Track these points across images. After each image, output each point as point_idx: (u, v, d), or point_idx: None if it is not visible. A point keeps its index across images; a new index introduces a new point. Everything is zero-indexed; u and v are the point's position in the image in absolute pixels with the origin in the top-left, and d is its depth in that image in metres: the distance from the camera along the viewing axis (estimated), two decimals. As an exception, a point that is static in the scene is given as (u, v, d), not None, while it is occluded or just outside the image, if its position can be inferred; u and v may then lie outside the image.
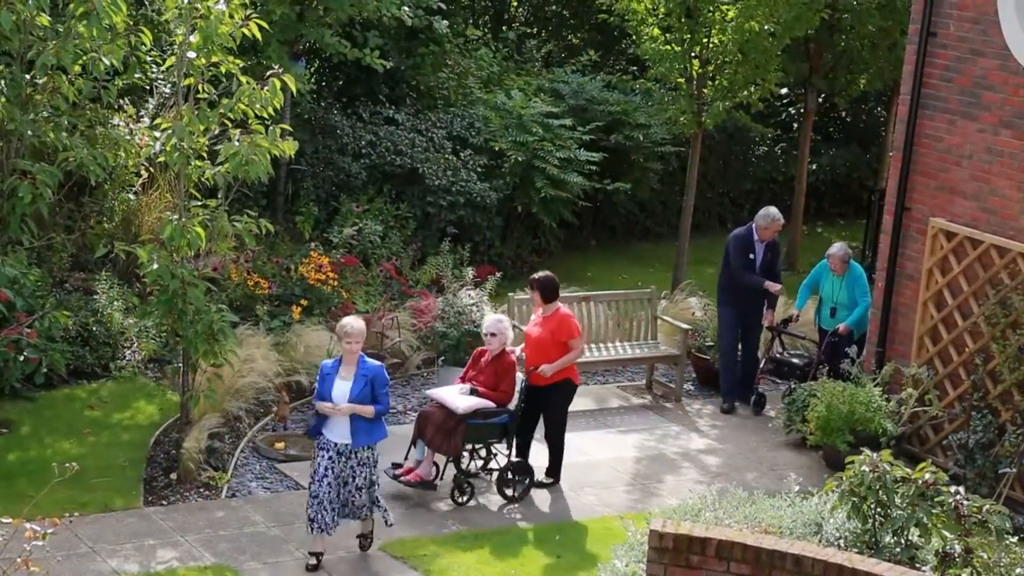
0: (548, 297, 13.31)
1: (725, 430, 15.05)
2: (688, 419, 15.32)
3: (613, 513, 12.84)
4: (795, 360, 15.56)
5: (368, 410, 11.28)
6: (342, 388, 11.32)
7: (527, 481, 13.10)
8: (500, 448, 13.21)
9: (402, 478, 12.71)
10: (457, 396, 12.81)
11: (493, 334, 12.99)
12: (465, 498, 12.77)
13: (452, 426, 12.63)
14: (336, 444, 11.32)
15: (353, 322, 11.44)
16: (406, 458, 12.94)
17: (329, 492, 11.26)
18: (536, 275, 13.51)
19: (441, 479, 12.81)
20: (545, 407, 13.29)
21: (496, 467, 13.14)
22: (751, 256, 15.62)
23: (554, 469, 13.42)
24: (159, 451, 13.32)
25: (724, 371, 15.78)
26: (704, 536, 9.85)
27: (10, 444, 13.20)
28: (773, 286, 15.71)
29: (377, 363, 11.52)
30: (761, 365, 15.69)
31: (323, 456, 11.31)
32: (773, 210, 15.78)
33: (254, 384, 14.31)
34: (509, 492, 12.96)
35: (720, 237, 22.58)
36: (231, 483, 12.92)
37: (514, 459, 13.12)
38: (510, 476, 13.00)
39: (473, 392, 12.87)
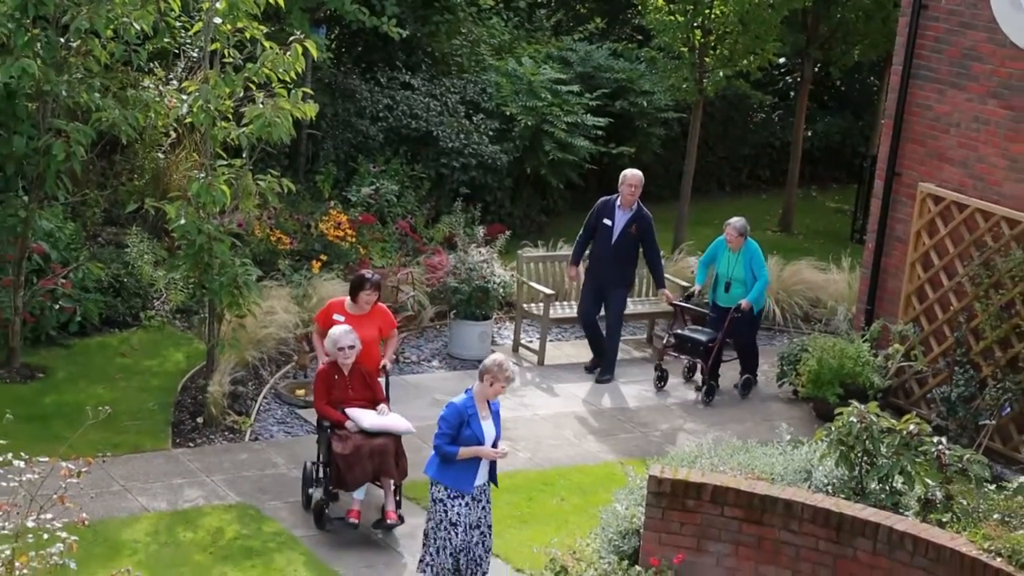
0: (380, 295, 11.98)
1: (721, 382, 15.06)
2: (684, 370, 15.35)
3: (614, 459, 12.91)
4: (699, 336, 14.63)
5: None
6: (489, 429, 9.88)
7: None
8: None
9: (388, 522, 10.99)
10: (397, 418, 11.24)
11: (351, 346, 11.18)
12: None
13: (396, 448, 11.04)
14: (474, 487, 9.96)
15: (512, 364, 9.99)
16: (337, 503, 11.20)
17: (457, 540, 9.92)
18: (370, 276, 11.80)
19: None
20: None
21: None
22: (605, 221, 14.68)
23: None
24: (186, 396, 13.40)
25: (588, 336, 15.11)
26: (700, 482, 9.92)
27: (46, 388, 13.29)
28: (571, 271, 15.16)
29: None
30: (665, 340, 15.21)
31: (460, 504, 9.89)
32: (629, 170, 14.93)
33: (275, 334, 14.39)
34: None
35: (719, 200, 22.66)
36: (254, 427, 13.01)
37: None
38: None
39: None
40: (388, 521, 10.91)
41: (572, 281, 15.59)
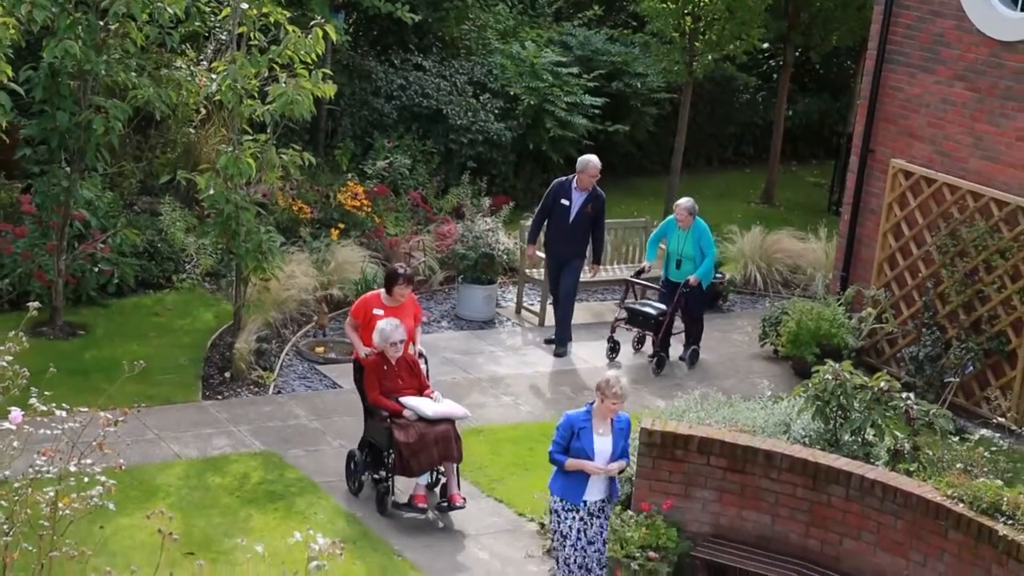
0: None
1: (707, 343, 15.02)
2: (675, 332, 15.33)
3: (608, 412, 12.90)
4: (649, 310, 14.21)
5: (624, 464, 9.19)
6: (603, 445, 8.99)
7: None
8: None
9: (456, 504, 10.59)
10: (453, 404, 10.92)
11: (401, 340, 10.65)
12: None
13: (454, 433, 10.63)
14: (588, 503, 9.08)
15: (624, 382, 9.06)
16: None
17: (581, 556, 9.11)
18: (403, 270, 11.22)
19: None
20: None
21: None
22: (563, 202, 14.15)
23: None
24: (215, 353, 13.42)
25: (555, 311, 14.58)
26: (688, 433, 9.94)
27: (87, 345, 13.32)
28: (529, 250, 14.66)
29: (624, 413, 9.21)
30: (617, 314, 14.74)
31: (573, 518, 9.06)
32: (588, 156, 14.31)
33: (297, 297, 14.39)
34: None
35: (707, 174, 22.61)
36: (277, 381, 13.02)
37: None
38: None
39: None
40: (456, 504, 10.52)
41: (530, 259, 15.17)
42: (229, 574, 9.34)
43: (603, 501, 9.15)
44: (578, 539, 9.08)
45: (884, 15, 14.24)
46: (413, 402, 10.60)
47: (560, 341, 14.43)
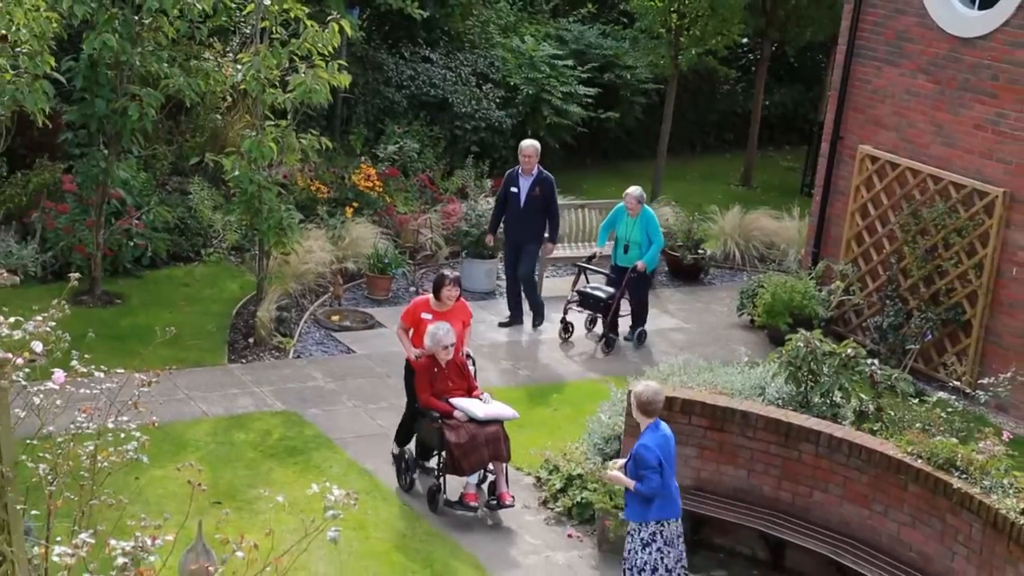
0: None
1: (690, 313, 15.10)
2: (660, 303, 15.34)
3: (598, 377, 12.93)
4: (599, 294, 13.79)
5: (625, 481, 8.45)
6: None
7: None
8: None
9: (506, 503, 10.02)
10: (502, 406, 10.28)
11: (452, 343, 10.14)
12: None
13: (504, 434, 10.07)
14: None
15: (640, 390, 8.45)
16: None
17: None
18: (450, 274, 10.61)
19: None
20: None
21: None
22: (512, 190, 13.82)
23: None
24: (239, 320, 13.43)
25: (507, 293, 14.34)
26: (672, 395, 9.95)
27: (123, 313, 13.34)
28: (488, 239, 14.28)
29: (645, 443, 8.36)
30: (569, 297, 14.03)
31: None
32: (525, 141, 13.97)
33: (314, 269, 14.39)
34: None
35: (690, 159, 22.57)
36: (296, 347, 13.04)
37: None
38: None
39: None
40: (505, 502, 9.97)
41: (489, 244, 14.65)
42: (252, 521, 9.39)
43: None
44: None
45: (853, 12, 14.20)
46: (464, 404, 10.07)
47: (536, 316, 14.20)
